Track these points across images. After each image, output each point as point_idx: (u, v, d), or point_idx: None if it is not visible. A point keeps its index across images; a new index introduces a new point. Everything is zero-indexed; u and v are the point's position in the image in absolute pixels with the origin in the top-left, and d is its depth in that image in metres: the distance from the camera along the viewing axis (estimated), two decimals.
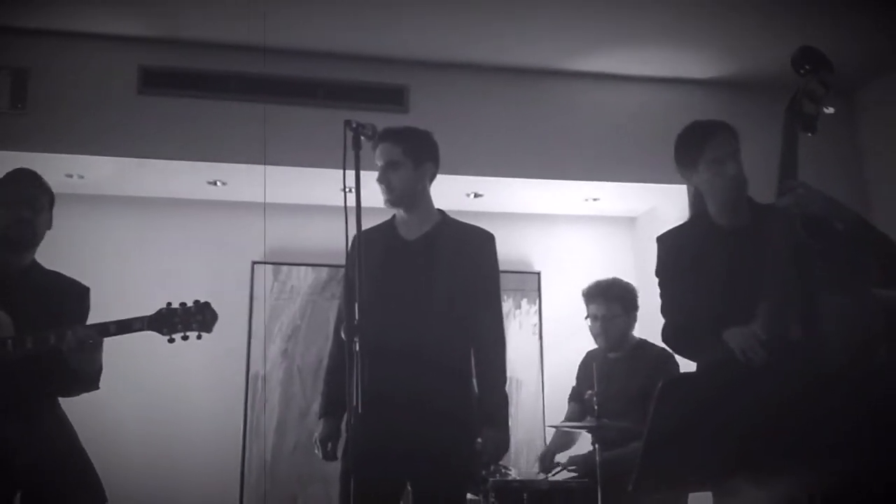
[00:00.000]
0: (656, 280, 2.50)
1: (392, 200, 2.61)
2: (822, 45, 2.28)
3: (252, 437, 4.32)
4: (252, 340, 4.43)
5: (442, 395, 2.36)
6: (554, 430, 3.64)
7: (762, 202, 2.35)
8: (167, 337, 2.31)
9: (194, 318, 2.30)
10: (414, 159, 2.59)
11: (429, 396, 2.34)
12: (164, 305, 2.31)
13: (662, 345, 3.17)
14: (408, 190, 2.59)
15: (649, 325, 3.99)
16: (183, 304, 2.32)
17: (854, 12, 3.65)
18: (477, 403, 2.50)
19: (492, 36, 3.95)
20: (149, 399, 4.17)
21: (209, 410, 4.24)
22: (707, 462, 1.54)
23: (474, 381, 2.54)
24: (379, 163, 2.58)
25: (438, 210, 2.68)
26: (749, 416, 1.49)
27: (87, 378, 2.35)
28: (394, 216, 2.67)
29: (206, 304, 2.33)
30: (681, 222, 2.70)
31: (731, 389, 1.56)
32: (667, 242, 2.48)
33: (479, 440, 2.42)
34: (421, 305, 2.47)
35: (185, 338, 2.32)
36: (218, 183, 4.32)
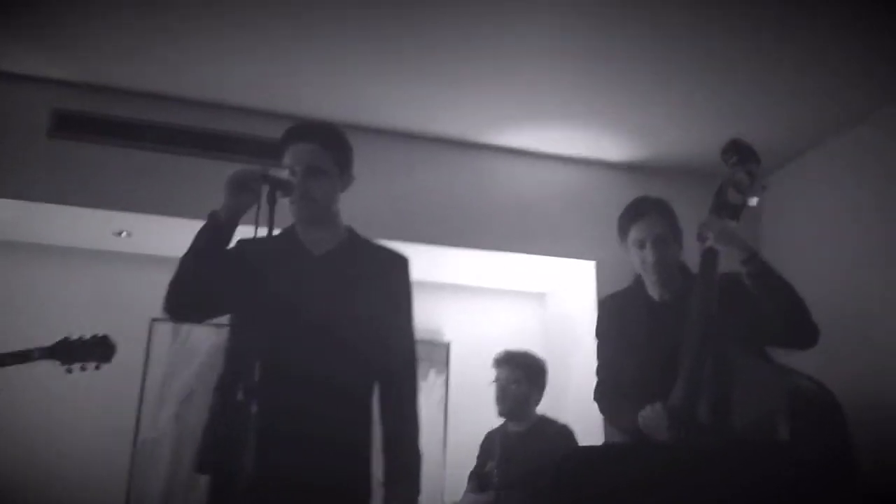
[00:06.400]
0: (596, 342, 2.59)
1: (311, 216, 2.15)
2: (728, 134, 2.42)
3: None
4: (143, 402, 4.22)
5: (338, 442, 2.00)
6: None
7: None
8: (66, 367, 2.34)
9: (93, 350, 2.35)
10: (340, 166, 2.20)
11: (322, 444, 1.96)
12: (62, 338, 2.38)
13: (564, 422, 3.21)
14: (330, 202, 2.18)
15: (554, 400, 4.03)
16: (81, 337, 2.39)
17: (760, 106, 3.89)
18: (383, 454, 2.12)
19: (414, 104, 4.01)
20: (26, 461, 3.89)
21: (92, 476, 3.98)
22: None
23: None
24: (296, 167, 2.12)
25: (346, 226, 2.30)
26: (648, 492, 1.50)
27: None
28: (294, 225, 2.22)
29: (105, 337, 2.41)
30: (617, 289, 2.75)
31: (630, 465, 1.56)
32: (606, 306, 2.60)
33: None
34: (322, 328, 2.06)
35: (83, 369, 2.37)
36: (123, 234, 4.17)
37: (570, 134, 4.28)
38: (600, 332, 2.56)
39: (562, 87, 3.79)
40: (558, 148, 4.44)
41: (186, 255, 2.11)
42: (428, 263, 4.49)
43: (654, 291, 2.46)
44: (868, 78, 3.61)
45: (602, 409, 2.53)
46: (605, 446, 2.31)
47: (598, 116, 4.07)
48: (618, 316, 2.52)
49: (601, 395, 2.52)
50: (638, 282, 2.53)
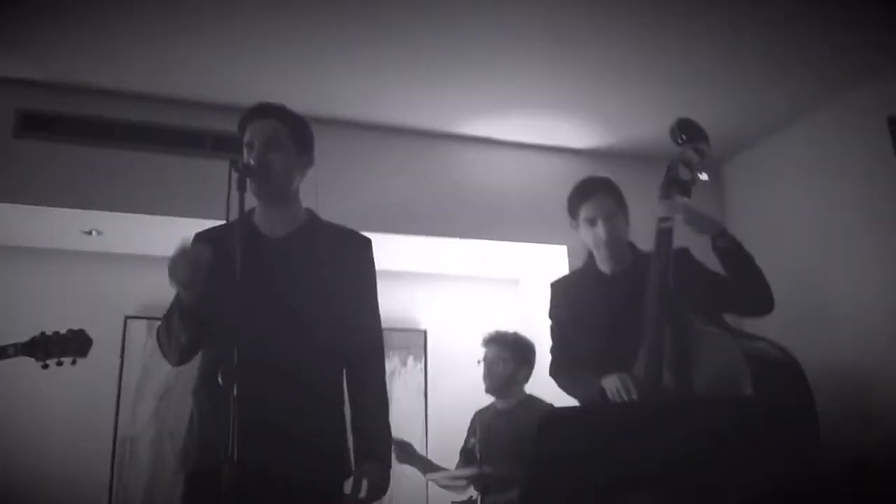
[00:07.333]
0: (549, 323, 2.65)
1: (269, 192, 2.10)
2: (693, 119, 2.47)
3: (119, 502, 4.05)
4: (122, 400, 4.21)
5: (313, 425, 2.00)
6: (436, 482, 3.64)
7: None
8: (41, 363, 2.31)
9: (69, 344, 2.32)
10: (298, 145, 2.17)
11: (298, 428, 1.96)
12: (37, 333, 2.33)
13: (550, 401, 3.26)
14: (288, 179, 2.14)
15: (541, 383, 4.08)
16: (57, 332, 2.35)
17: (721, 93, 3.97)
18: (353, 432, 2.11)
19: (382, 96, 4.02)
20: (5, 460, 3.87)
21: (72, 474, 3.96)
22: (587, 500, 1.58)
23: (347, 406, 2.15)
24: (254, 140, 2.12)
25: (306, 208, 2.26)
26: (624, 452, 1.55)
27: None
28: (251, 210, 2.16)
29: (81, 331, 2.37)
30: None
31: (604, 425, 1.61)
32: (557, 287, 2.67)
33: (352, 478, 2.06)
34: (288, 313, 2.04)
35: (59, 363, 2.34)
36: (93, 232, 4.14)
37: (535, 123, 4.32)
38: (553, 313, 2.63)
39: (525, 77, 3.83)
40: (524, 136, 4.48)
41: (167, 324, 2.08)
42: (402, 253, 4.52)
43: (605, 266, 2.54)
44: (827, 66, 3.70)
45: (560, 384, 2.60)
46: (584, 406, 2.35)
47: (562, 105, 4.12)
48: (571, 294, 2.59)
49: (556, 371, 2.60)
50: (589, 259, 2.61)
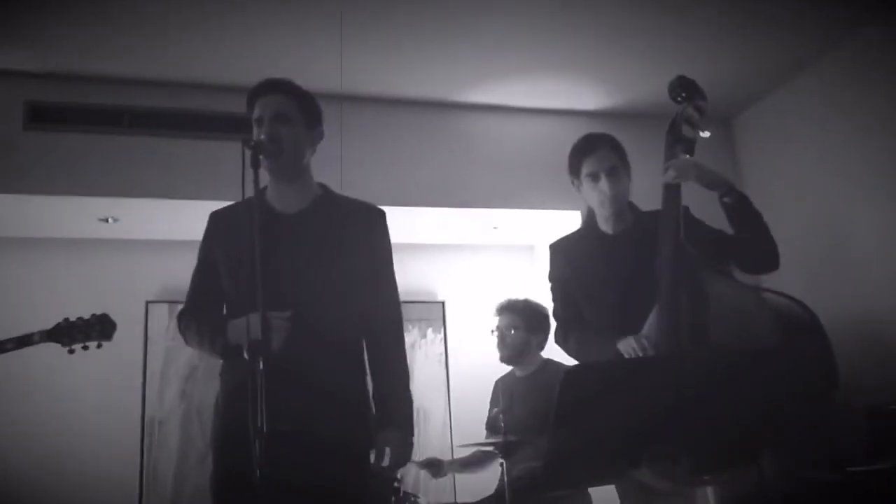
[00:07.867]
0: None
1: (280, 168, 2.10)
2: (700, 77, 2.45)
3: (150, 483, 4.13)
4: (147, 383, 4.27)
5: (337, 399, 2.02)
6: (462, 467, 3.68)
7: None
8: (67, 348, 2.34)
9: (93, 328, 2.36)
10: (308, 119, 2.17)
11: (322, 401, 1.98)
12: (62, 320, 2.37)
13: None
14: (300, 154, 2.14)
15: (558, 352, 4.11)
16: (80, 317, 2.39)
17: (727, 47, 3.92)
18: (375, 403, 2.13)
19: (389, 69, 4.00)
20: (39, 449, 3.95)
21: (103, 457, 4.04)
22: (610, 453, 1.59)
23: (368, 377, 2.16)
24: (263, 116, 2.12)
25: (319, 183, 2.27)
26: (648, 404, 1.56)
27: None
28: (264, 189, 2.13)
29: (105, 315, 2.41)
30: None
31: (628, 378, 1.62)
32: (557, 249, 2.61)
33: (374, 451, 2.07)
34: (305, 288, 2.05)
35: (85, 348, 2.38)
36: (110, 219, 4.16)
37: (542, 87, 4.28)
38: (554, 276, 2.57)
39: (530, 41, 3.79)
40: (532, 101, 4.44)
41: (196, 329, 2.15)
42: (417, 226, 4.53)
43: (606, 226, 2.49)
44: (832, 10, 3.63)
45: (569, 350, 2.54)
46: (607, 362, 2.33)
47: (568, 67, 4.08)
48: (570, 256, 2.53)
49: (565, 336, 2.52)
50: (590, 219, 2.56)
